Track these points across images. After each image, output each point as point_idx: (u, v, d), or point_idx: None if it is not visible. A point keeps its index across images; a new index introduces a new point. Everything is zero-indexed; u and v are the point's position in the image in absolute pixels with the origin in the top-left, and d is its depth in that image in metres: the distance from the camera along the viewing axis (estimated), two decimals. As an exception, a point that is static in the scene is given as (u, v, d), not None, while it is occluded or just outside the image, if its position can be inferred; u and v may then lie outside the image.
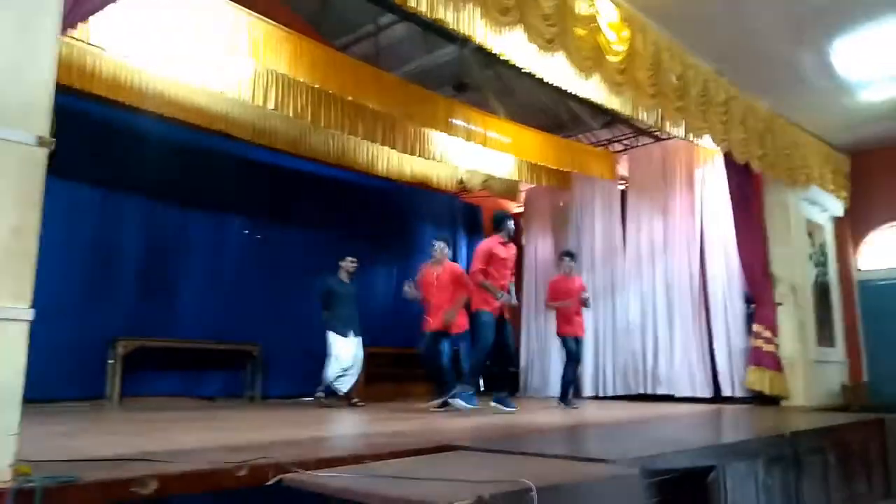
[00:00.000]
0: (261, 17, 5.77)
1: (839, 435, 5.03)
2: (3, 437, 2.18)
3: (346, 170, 9.20)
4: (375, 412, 6.39)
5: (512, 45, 5.35)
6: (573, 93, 6.54)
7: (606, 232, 10.05)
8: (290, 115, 6.75)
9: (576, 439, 4.34)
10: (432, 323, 6.75)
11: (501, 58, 5.78)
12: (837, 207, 9.41)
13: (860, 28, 6.33)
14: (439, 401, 6.62)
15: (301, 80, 6.23)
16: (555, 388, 9.01)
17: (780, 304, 8.13)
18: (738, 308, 8.54)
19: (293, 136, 8.24)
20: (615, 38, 5.72)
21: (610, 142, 10.09)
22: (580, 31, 5.40)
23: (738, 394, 8.20)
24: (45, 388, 5.99)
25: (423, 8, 4.66)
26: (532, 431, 4.74)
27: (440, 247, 6.95)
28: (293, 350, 8.09)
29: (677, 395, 8.72)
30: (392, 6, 6.34)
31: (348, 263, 7.65)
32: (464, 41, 7.43)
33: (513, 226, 6.70)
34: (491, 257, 6.34)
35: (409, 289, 6.89)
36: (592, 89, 6.14)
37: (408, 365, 8.67)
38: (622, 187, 10.10)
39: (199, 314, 7.93)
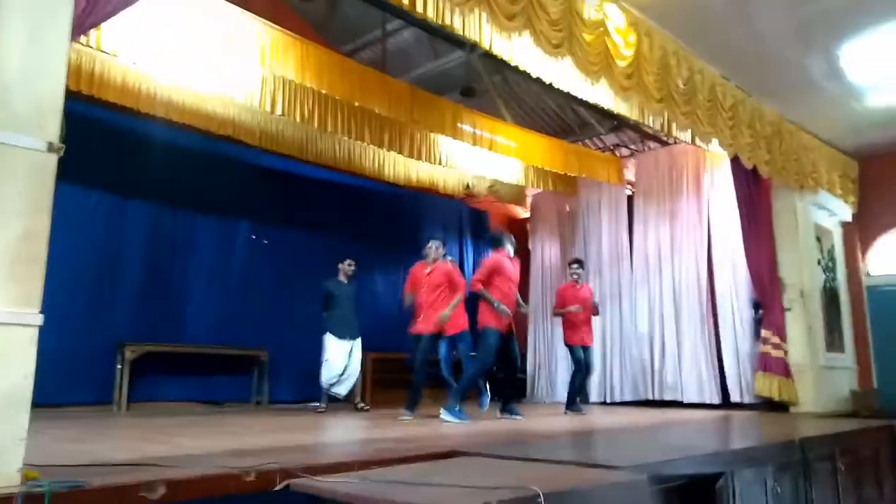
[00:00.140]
0: (269, 23, 5.80)
1: (849, 441, 4.99)
2: (12, 441, 2.19)
3: (353, 175, 9.23)
4: (382, 418, 6.38)
5: (519, 50, 5.36)
6: (580, 98, 6.53)
7: (613, 237, 10.03)
8: (298, 120, 6.79)
9: (583, 445, 4.33)
10: (421, 325, 6.55)
11: (509, 63, 5.78)
12: (846, 212, 9.36)
13: (868, 32, 6.30)
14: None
15: (308, 85, 6.25)
16: (561, 394, 9.01)
17: (788, 309, 8.08)
18: (746, 313, 8.50)
19: (300, 141, 8.27)
20: (622, 42, 5.72)
21: (617, 146, 10.08)
22: (587, 36, 5.40)
23: (747, 400, 8.16)
24: (53, 393, 6.03)
25: (431, 13, 4.67)
26: (539, 437, 4.72)
27: (435, 245, 6.77)
28: (300, 355, 8.10)
29: (685, 401, 8.68)
30: (399, 12, 6.36)
31: (346, 266, 7.64)
32: (471, 46, 7.47)
33: (513, 240, 6.77)
34: (499, 272, 6.35)
35: (408, 297, 6.84)
36: (599, 94, 6.14)
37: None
38: (629, 192, 10.09)
39: (206, 319, 7.96)
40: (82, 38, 4.76)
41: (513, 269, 6.52)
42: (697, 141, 7.22)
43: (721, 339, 8.61)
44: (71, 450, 3.48)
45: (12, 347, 2.24)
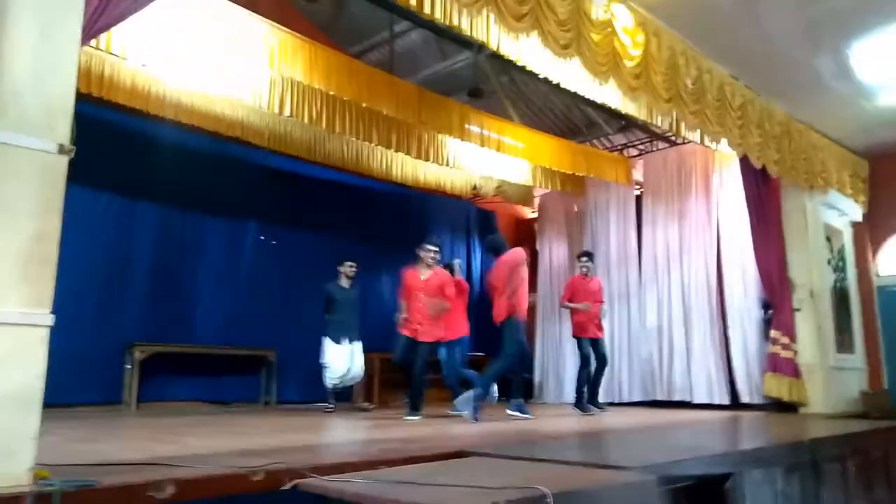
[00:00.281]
0: (277, 25, 5.82)
1: (859, 442, 4.96)
2: (23, 441, 2.21)
3: (361, 176, 9.25)
4: (389, 418, 6.39)
5: (527, 50, 5.36)
6: (588, 98, 6.52)
7: (621, 237, 10.01)
8: (306, 121, 6.81)
9: (592, 446, 4.32)
10: (424, 335, 6.45)
11: (516, 63, 5.78)
12: (856, 212, 9.30)
13: (877, 31, 6.26)
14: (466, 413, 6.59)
15: (317, 87, 6.27)
16: (570, 394, 8.98)
17: (797, 309, 8.04)
18: (755, 314, 8.47)
19: (308, 142, 8.29)
20: (630, 42, 5.70)
21: (625, 146, 10.06)
22: (595, 37, 5.39)
23: (756, 400, 8.12)
24: (63, 393, 6.06)
25: (438, 15, 4.68)
26: (548, 437, 4.72)
27: (433, 251, 6.66)
28: (308, 355, 8.11)
29: (694, 401, 8.65)
30: (407, 13, 6.37)
31: (347, 268, 7.60)
32: (479, 47, 7.47)
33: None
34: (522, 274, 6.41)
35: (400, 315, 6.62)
36: (608, 94, 6.13)
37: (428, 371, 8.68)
38: (637, 192, 10.06)
39: (215, 320, 8.00)
40: (92, 41, 4.79)
41: (526, 272, 6.58)
42: (706, 141, 7.19)
43: (730, 339, 8.57)
44: (81, 449, 3.51)
45: (24, 348, 2.26)
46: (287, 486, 2.52)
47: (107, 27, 3.28)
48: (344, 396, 7.60)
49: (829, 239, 8.76)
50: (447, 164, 8.47)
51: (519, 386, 6.90)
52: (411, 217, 10.15)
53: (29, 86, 2.40)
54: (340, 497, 2.30)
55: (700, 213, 9.12)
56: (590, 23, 5.34)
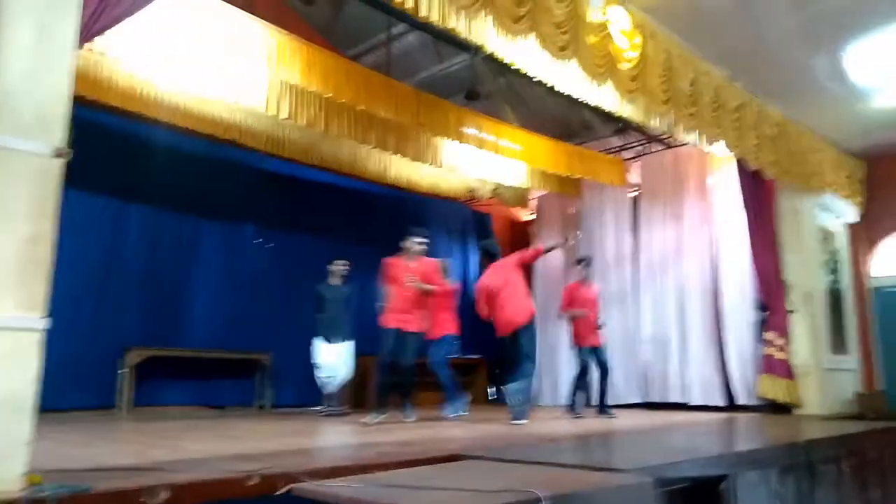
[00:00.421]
0: (274, 27, 5.81)
1: (854, 443, 4.97)
2: (16, 446, 2.20)
3: (358, 178, 9.24)
4: (385, 421, 6.37)
5: (524, 52, 5.35)
6: (585, 100, 6.52)
7: (618, 239, 10.02)
8: (303, 124, 6.79)
9: (587, 448, 4.32)
10: (412, 324, 6.23)
11: (513, 66, 5.77)
12: (851, 213, 9.32)
13: (873, 33, 6.28)
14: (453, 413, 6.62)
15: (314, 89, 6.25)
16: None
17: (792, 311, 8.06)
18: (750, 315, 8.48)
19: (305, 145, 8.28)
20: (627, 45, 5.71)
21: (621, 149, 10.06)
22: (592, 39, 5.40)
23: (752, 402, 8.13)
24: (56, 398, 6.02)
25: (436, 17, 4.67)
26: (543, 440, 4.72)
27: (419, 241, 6.42)
28: (304, 359, 8.08)
29: (690, 403, 8.66)
30: (404, 15, 6.36)
31: (338, 267, 7.52)
32: (476, 50, 7.45)
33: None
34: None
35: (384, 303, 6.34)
36: (604, 96, 6.12)
37: (418, 373, 8.65)
38: (634, 194, 10.07)
39: (209, 323, 7.98)
40: (89, 44, 4.78)
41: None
42: (702, 143, 7.20)
43: (726, 341, 8.58)
44: (74, 454, 3.50)
45: (17, 351, 2.25)
46: (282, 491, 2.51)
47: (104, 30, 3.28)
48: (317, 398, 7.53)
49: (824, 240, 8.79)
50: (444, 167, 8.47)
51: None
52: (407, 220, 10.06)
53: (24, 88, 2.39)
54: (335, 501, 2.29)
55: (696, 216, 9.14)
56: (586, 25, 5.35)
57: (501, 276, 6.34)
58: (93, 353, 6.94)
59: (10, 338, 2.23)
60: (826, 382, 8.01)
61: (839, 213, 9.13)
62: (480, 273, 7.94)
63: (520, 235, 11.52)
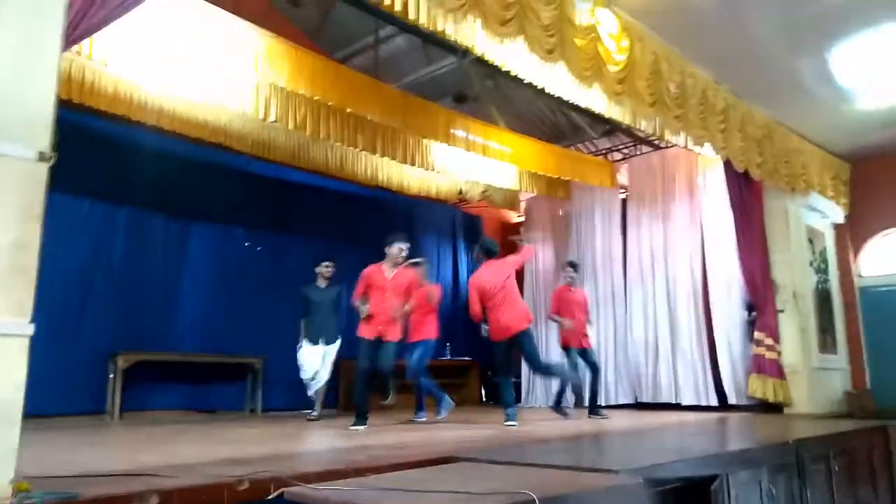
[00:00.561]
0: (262, 29, 5.79)
1: (843, 442, 5.00)
2: (3, 453, 2.17)
3: (347, 181, 9.22)
4: (376, 424, 6.35)
5: (512, 55, 5.37)
6: (573, 102, 6.55)
7: (607, 241, 10.05)
8: (290, 127, 6.75)
9: (579, 449, 4.32)
10: (391, 334, 5.94)
11: (501, 68, 5.79)
12: (838, 214, 9.41)
13: (857, 35, 6.34)
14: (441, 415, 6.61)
15: (301, 92, 6.23)
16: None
17: (781, 311, 8.11)
18: (739, 315, 8.53)
19: (293, 148, 8.26)
20: (615, 47, 5.74)
21: (610, 151, 10.11)
22: (580, 42, 5.42)
23: (743, 402, 8.17)
24: (45, 403, 5.99)
25: (424, 20, 4.67)
26: (535, 442, 4.72)
27: (399, 248, 6.12)
28: (295, 363, 8.07)
29: (681, 403, 8.69)
30: (392, 18, 6.36)
31: (324, 268, 7.45)
32: (464, 52, 7.47)
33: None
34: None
35: (361, 303, 6.03)
36: (592, 99, 6.16)
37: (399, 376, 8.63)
38: (622, 196, 10.11)
39: (199, 327, 7.94)
40: (75, 47, 4.75)
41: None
42: (690, 145, 7.24)
43: (716, 341, 8.62)
44: (63, 461, 3.46)
45: (4, 357, 2.22)
46: (273, 495, 2.50)
47: (88, 33, 3.26)
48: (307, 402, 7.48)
49: (811, 241, 8.86)
50: (433, 169, 8.47)
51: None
52: (397, 222, 10.11)
53: (9, 92, 2.37)
54: (327, 505, 2.28)
55: (684, 217, 9.19)
56: (574, 28, 5.37)
57: (499, 276, 6.16)
58: (81, 358, 6.88)
59: (-4, 343, 2.21)
60: (815, 382, 8.07)
61: (826, 213, 9.21)
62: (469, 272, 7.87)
63: (511, 237, 11.54)
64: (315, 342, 7.23)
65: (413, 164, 8.18)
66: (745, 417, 7.32)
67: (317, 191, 9.19)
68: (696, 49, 6.50)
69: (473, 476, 2.84)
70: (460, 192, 10.62)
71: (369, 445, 4.22)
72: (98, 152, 7.11)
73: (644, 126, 6.86)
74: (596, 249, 10.12)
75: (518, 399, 9.89)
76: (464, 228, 11.58)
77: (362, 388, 5.90)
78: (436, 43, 7.68)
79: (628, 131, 9.29)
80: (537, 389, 10.39)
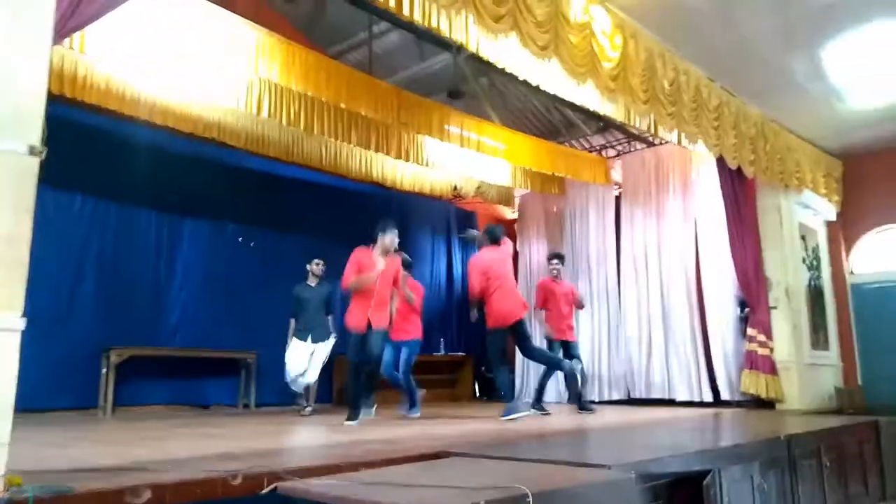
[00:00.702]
0: (255, 24, 5.77)
1: (834, 438, 5.04)
2: (-6, 447, 2.17)
3: (341, 177, 9.21)
4: (370, 419, 6.36)
5: (506, 51, 5.36)
6: (567, 99, 6.55)
7: (601, 237, 10.07)
8: (284, 122, 6.76)
9: (572, 445, 4.33)
10: (377, 321, 5.72)
11: (495, 65, 5.78)
12: (830, 211, 9.45)
13: (850, 33, 6.36)
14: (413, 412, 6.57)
15: (295, 87, 6.22)
16: (549, 394, 9.00)
17: (773, 307, 8.15)
18: (732, 312, 8.57)
19: (286, 143, 8.24)
20: (608, 44, 5.74)
21: (604, 147, 10.13)
22: (574, 38, 5.42)
23: (736, 397, 8.21)
24: (37, 398, 5.98)
25: (417, 16, 4.67)
26: (527, 437, 4.73)
27: (391, 236, 5.95)
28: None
29: (674, 398, 8.73)
30: (386, 14, 6.36)
31: (315, 266, 7.44)
32: (457, 48, 7.47)
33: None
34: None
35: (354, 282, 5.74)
36: (586, 95, 6.15)
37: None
38: (616, 192, 10.13)
39: (192, 322, 7.92)
40: (65, 41, 4.72)
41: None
42: (683, 141, 7.26)
43: (709, 337, 8.66)
44: (55, 455, 3.45)
45: (-6, 352, 2.21)
46: (266, 490, 2.50)
47: (79, 27, 3.24)
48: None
49: (803, 238, 8.90)
50: (427, 165, 8.47)
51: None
52: (392, 218, 10.08)
53: (-1, 85, 2.36)
54: (321, 500, 2.28)
55: (678, 213, 9.21)
56: (568, 24, 5.37)
57: (502, 263, 6.33)
58: (74, 353, 6.86)
59: (-13, 338, 2.20)
60: (807, 378, 8.12)
61: (818, 210, 9.25)
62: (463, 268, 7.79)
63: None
64: (304, 339, 7.20)
65: (407, 159, 8.19)
66: (737, 413, 7.36)
67: (310, 186, 9.18)
68: (689, 46, 6.51)
69: (466, 471, 2.85)
70: (455, 189, 10.62)
71: (362, 440, 4.22)
72: (90, 147, 7.08)
73: (638, 123, 6.86)
74: (590, 245, 10.14)
75: (512, 395, 9.90)
76: (458, 224, 11.58)
77: (354, 382, 5.84)
78: (430, 39, 7.67)
79: (622, 128, 9.31)
80: (530, 385, 10.40)
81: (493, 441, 4.20)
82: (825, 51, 6.68)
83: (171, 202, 7.91)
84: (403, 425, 5.63)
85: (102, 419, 6.72)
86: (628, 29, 5.95)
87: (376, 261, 5.82)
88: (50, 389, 6.50)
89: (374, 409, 6.50)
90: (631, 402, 9.16)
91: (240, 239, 8.53)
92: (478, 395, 10.89)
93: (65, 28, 2.99)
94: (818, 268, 9.17)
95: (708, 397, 8.50)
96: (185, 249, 8.06)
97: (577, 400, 7.30)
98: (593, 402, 9.34)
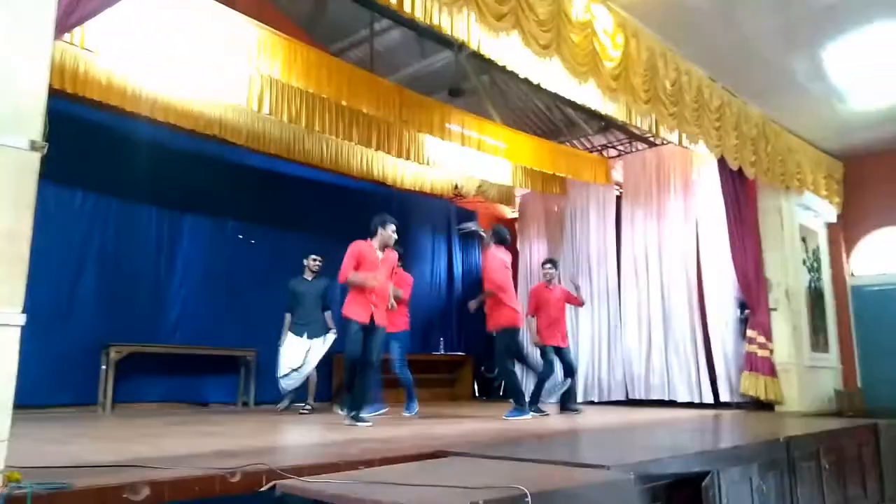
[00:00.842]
0: (256, 21, 5.77)
1: (833, 440, 5.03)
2: (-7, 443, 2.16)
3: (341, 175, 9.20)
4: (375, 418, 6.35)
5: (507, 50, 5.36)
6: (568, 98, 6.54)
7: (601, 237, 10.06)
8: (285, 120, 6.75)
9: (571, 445, 4.33)
10: (380, 319, 5.56)
11: (497, 63, 5.78)
12: (831, 213, 9.45)
13: (851, 34, 6.35)
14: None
15: (296, 85, 6.21)
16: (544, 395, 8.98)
17: (774, 309, 8.14)
18: (733, 313, 8.56)
19: (287, 140, 8.22)
20: (610, 43, 5.74)
21: (605, 147, 10.12)
22: (575, 37, 5.41)
23: (736, 399, 8.20)
24: (36, 394, 5.97)
25: (419, 13, 4.66)
26: (526, 437, 4.73)
27: (392, 229, 5.85)
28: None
29: (674, 400, 8.72)
30: (387, 11, 6.35)
31: (311, 261, 7.42)
32: (459, 46, 7.46)
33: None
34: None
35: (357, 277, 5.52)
36: (587, 95, 6.15)
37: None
38: (617, 193, 10.12)
39: (192, 319, 7.91)
40: (66, 36, 4.71)
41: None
42: (684, 142, 7.25)
43: (710, 338, 8.66)
44: (54, 451, 3.45)
45: (-6, 347, 2.21)
46: (265, 488, 2.50)
47: (80, 22, 3.23)
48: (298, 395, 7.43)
49: (804, 239, 8.89)
50: (428, 164, 8.46)
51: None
52: (392, 216, 10.10)
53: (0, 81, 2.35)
54: (319, 497, 2.28)
55: (679, 214, 9.21)
56: (570, 23, 5.36)
57: (510, 268, 6.53)
58: (73, 350, 6.85)
59: (-13, 333, 2.20)
60: (806, 380, 8.11)
61: (819, 212, 9.25)
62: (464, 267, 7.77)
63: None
64: (300, 334, 7.19)
65: (408, 158, 8.18)
66: (736, 415, 7.36)
67: (311, 184, 9.16)
68: (690, 46, 6.50)
69: (465, 470, 2.84)
70: (455, 187, 10.61)
71: (361, 439, 4.22)
72: (91, 143, 7.06)
73: (639, 123, 6.86)
74: (590, 246, 10.13)
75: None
76: (459, 224, 11.57)
77: (361, 377, 5.46)
78: (431, 37, 7.67)
79: (623, 128, 9.31)
80: (528, 387, 10.38)
81: (493, 441, 4.20)
82: (826, 51, 6.67)
83: (171, 199, 7.90)
84: (403, 424, 5.63)
85: (102, 416, 6.71)
86: (630, 28, 5.95)
87: (377, 254, 5.72)
88: (49, 386, 6.49)
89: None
90: (630, 402, 9.15)
91: (240, 236, 8.52)
92: (477, 394, 10.89)
93: (66, 23, 2.98)
94: (818, 269, 9.16)
95: (708, 399, 8.50)
96: (186, 246, 8.05)
97: (563, 402, 7.38)
98: (592, 403, 9.37)
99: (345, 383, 5.65)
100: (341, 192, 9.49)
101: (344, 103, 6.68)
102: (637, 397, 9.14)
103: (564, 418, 6.77)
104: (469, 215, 11.67)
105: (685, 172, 9.25)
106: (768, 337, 8.01)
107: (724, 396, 8.36)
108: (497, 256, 6.62)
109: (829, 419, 6.75)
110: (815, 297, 8.91)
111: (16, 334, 2.26)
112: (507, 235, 6.82)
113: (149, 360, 7.41)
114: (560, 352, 7.40)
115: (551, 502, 2.24)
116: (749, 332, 8.08)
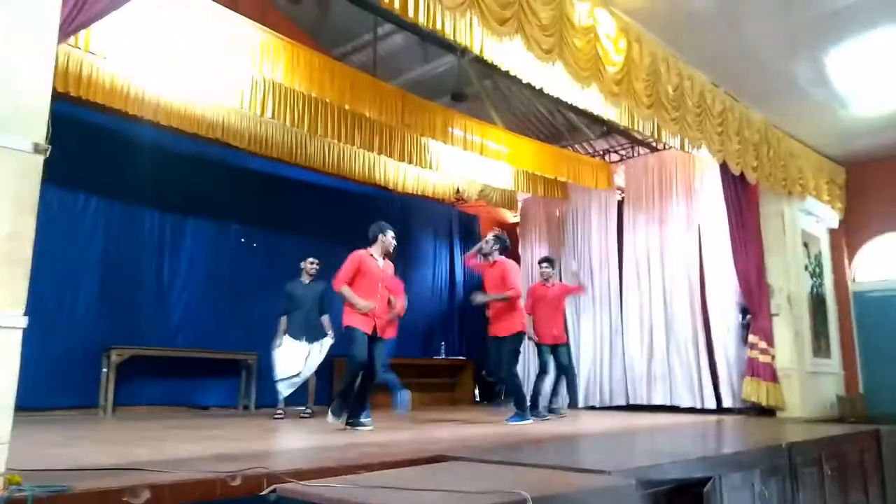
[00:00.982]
0: (259, 25, 5.78)
1: (835, 446, 5.01)
2: (-6, 445, 2.16)
3: (344, 179, 9.21)
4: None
5: (510, 54, 5.36)
6: (571, 103, 6.55)
7: (603, 242, 10.05)
8: (288, 124, 6.75)
9: (572, 450, 4.32)
10: (390, 331, 5.91)
11: (499, 68, 5.78)
12: (833, 218, 9.43)
13: (853, 39, 6.35)
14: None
15: (299, 89, 6.23)
16: (547, 399, 8.96)
17: (775, 314, 8.12)
18: (734, 318, 8.54)
19: (290, 144, 8.23)
20: (612, 48, 5.74)
21: (607, 152, 10.12)
22: (578, 42, 5.41)
23: (737, 405, 8.18)
24: (37, 397, 5.98)
25: (422, 18, 4.67)
26: (527, 442, 4.72)
27: (391, 236, 5.88)
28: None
29: (675, 405, 8.70)
30: (391, 16, 6.36)
31: (309, 265, 7.40)
32: (462, 51, 7.47)
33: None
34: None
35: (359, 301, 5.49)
36: (590, 99, 6.15)
37: (403, 375, 8.60)
38: (619, 197, 10.12)
39: (193, 323, 7.92)
40: (71, 40, 4.73)
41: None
42: (686, 147, 7.25)
43: (711, 343, 8.64)
44: (55, 454, 3.45)
45: (-4, 350, 2.21)
46: (266, 492, 2.49)
47: (84, 25, 3.24)
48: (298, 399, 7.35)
49: (806, 245, 8.88)
50: (430, 168, 8.46)
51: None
52: (394, 221, 9.94)
53: (2, 82, 2.36)
54: (319, 501, 2.28)
55: (680, 219, 9.19)
56: (573, 28, 5.36)
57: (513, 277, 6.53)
58: (75, 352, 6.86)
59: (-11, 336, 2.20)
60: (808, 386, 8.09)
61: (821, 217, 9.23)
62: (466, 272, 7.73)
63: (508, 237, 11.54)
64: (298, 338, 7.16)
65: (410, 162, 8.18)
66: (738, 420, 7.34)
67: (313, 188, 9.18)
68: (693, 51, 6.51)
69: (465, 475, 2.84)
70: (458, 192, 10.62)
71: (361, 443, 4.21)
72: (94, 145, 7.10)
73: (641, 127, 6.86)
74: (592, 250, 10.12)
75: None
76: (461, 228, 11.58)
77: (353, 381, 5.45)
78: (434, 41, 7.68)
79: (626, 133, 9.31)
80: (528, 390, 10.36)
81: (493, 445, 4.19)
82: (828, 57, 6.67)
83: (174, 202, 7.91)
84: (402, 429, 5.62)
85: (103, 419, 6.72)
86: (632, 33, 5.95)
87: (378, 263, 5.74)
88: (51, 388, 6.50)
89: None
90: (632, 408, 9.13)
91: (242, 240, 8.53)
92: (478, 399, 10.87)
93: (71, 26, 2.99)
94: (820, 275, 9.15)
95: (710, 404, 8.47)
96: (188, 249, 8.07)
97: (535, 406, 7.23)
98: (593, 408, 9.34)
99: (344, 388, 5.59)
100: (343, 196, 9.50)
101: (347, 107, 6.70)
102: (639, 402, 9.12)
103: (565, 423, 6.75)
104: (471, 220, 11.69)
105: (687, 177, 9.25)
106: (770, 342, 8.00)
107: (727, 402, 8.34)
108: (515, 264, 6.76)
109: (831, 425, 6.73)
110: (817, 302, 8.89)
111: (17, 337, 2.26)
112: (509, 245, 6.90)
113: (150, 364, 7.41)
114: (556, 350, 7.39)
115: (552, 507, 2.24)
116: (751, 338, 8.06)
